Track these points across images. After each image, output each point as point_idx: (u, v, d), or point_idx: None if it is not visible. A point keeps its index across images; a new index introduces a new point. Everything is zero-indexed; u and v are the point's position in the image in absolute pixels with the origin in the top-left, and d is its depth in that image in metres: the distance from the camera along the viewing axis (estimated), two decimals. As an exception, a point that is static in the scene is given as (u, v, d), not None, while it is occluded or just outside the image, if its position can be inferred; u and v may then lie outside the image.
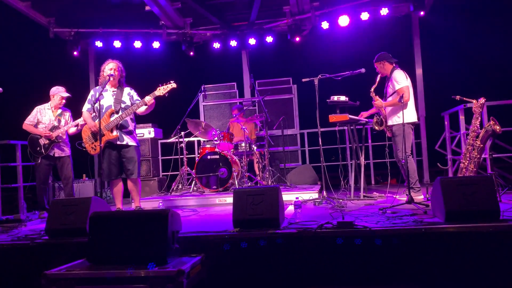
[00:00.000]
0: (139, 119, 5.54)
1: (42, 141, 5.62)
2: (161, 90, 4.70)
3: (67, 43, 8.41)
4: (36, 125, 5.70)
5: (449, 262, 3.07)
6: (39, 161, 5.64)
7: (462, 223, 3.17)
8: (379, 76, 5.29)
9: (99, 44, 8.53)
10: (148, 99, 4.69)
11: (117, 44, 8.52)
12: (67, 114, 5.88)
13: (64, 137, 5.77)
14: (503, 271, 3.01)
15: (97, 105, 4.59)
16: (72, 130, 5.74)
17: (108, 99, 4.81)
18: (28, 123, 5.70)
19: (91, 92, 4.94)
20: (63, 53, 8.53)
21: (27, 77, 9.08)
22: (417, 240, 3.13)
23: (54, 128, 5.68)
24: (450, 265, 3.07)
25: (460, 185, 3.32)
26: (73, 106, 6.12)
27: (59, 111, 5.83)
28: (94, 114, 4.82)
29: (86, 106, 4.89)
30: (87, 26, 8.51)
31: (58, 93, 5.78)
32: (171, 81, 4.73)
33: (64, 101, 5.84)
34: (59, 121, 5.77)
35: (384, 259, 3.13)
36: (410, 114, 5.07)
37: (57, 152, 5.70)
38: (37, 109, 5.77)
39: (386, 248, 3.12)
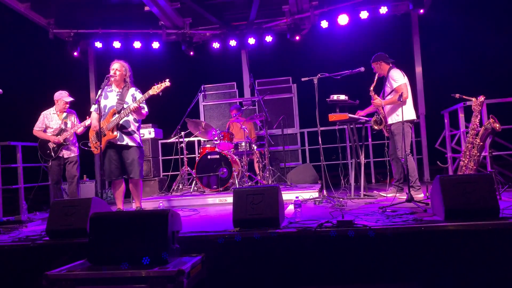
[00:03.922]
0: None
1: (51, 145, 5.86)
2: (155, 89, 4.67)
3: (67, 44, 8.43)
4: (45, 130, 5.92)
5: (448, 260, 3.07)
6: (50, 164, 5.90)
7: (461, 221, 3.17)
8: (377, 75, 5.30)
9: (98, 45, 8.54)
10: (134, 105, 4.63)
11: (116, 44, 8.54)
12: (73, 116, 6.06)
13: (71, 138, 5.98)
14: (502, 268, 3.01)
15: (96, 106, 4.72)
16: (80, 129, 5.96)
17: (112, 99, 4.83)
18: (37, 129, 5.93)
19: (99, 92, 4.95)
20: (63, 54, 8.55)
21: (28, 79, 9.12)
22: (417, 238, 3.13)
23: (62, 131, 5.90)
24: (449, 263, 3.07)
25: (460, 183, 3.31)
26: (74, 107, 6.17)
27: (64, 114, 6.01)
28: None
29: (94, 106, 4.90)
30: (86, 27, 8.53)
31: (61, 98, 5.96)
32: (166, 80, 4.70)
33: (68, 105, 6.02)
34: (66, 124, 5.97)
35: (384, 258, 3.14)
36: (408, 112, 5.08)
37: (65, 153, 5.94)
38: (43, 114, 5.97)
39: (386, 246, 3.13)
